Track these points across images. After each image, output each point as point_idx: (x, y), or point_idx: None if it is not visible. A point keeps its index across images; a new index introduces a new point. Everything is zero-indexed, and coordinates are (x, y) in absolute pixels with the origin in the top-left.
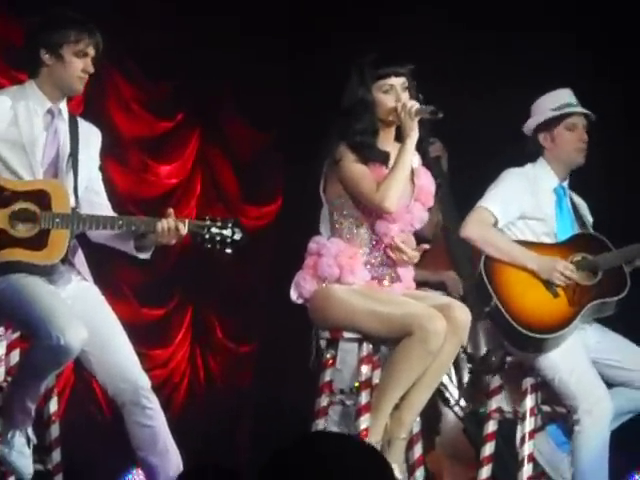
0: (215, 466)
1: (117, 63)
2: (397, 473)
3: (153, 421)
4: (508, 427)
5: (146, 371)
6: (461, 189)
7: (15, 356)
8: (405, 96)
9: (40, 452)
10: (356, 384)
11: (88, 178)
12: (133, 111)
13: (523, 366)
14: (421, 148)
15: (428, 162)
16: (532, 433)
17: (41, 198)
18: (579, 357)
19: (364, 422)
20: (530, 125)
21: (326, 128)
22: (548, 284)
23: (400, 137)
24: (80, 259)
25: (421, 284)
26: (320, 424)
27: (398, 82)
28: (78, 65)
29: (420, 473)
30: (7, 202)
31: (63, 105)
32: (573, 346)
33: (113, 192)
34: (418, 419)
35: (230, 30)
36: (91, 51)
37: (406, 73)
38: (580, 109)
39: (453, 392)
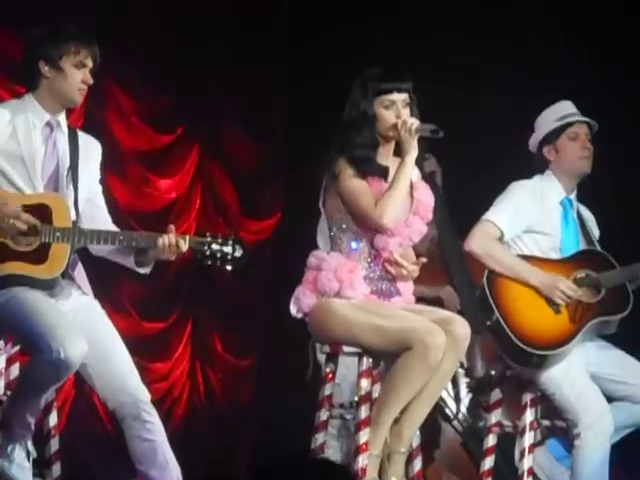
0: None
1: (117, 77)
2: None
3: (153, 435)
4: (507, 441)
5: (146, 385)
6: (456, 203)
7: (15, 370)
8: (406, 112)
9: (40, 466)
10: (356, 398)
11: (88, 191)
12: (133, 124)
13: (522, 380)
14: (416, 164)
15: (423, 178)
16: (532, 447)
17: (42, 212)
18: (580, 372)
19: (364, 436)
20: (534, 140)
21: (325, 142)
22: (550, 301)
23: (399, 152)
24: (80, 273)
25: (418, 300)
26: (320, 438)
27: (400, 98)
28: (78, 76)
29: None
30: None
31: (62, 118)
32: (574, 361)
33: (113, 205)
34: (418, 433)
35: (228, 45)
36: (89, 62)
37: (408, 89)
38: (581, 117)
39: (451, 406)
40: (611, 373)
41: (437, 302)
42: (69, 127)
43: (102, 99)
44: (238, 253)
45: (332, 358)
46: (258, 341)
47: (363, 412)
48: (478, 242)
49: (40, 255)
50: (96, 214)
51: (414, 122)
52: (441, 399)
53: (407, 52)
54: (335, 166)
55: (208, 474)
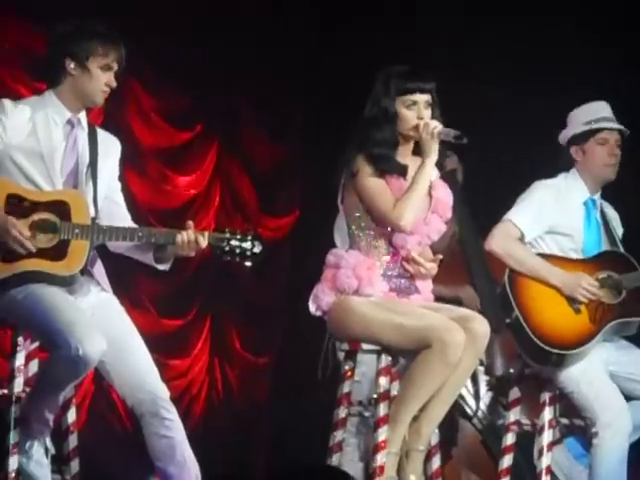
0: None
1: (137, 74)
2: None
3: (172, 432)
4: (526, 439)
5: (165, 382)
6: (477, 201)
7: (34, 366)
8: (427, 114)
9: (58, 462)
10: (374, 395)
11: (107, 188)
12: (152, 122)
13: (541, 378)
14: (438, 161)
15: (444, 175)
16: (550, 445)
17: (61, 208)
18: (598, 371)
19: (382, 434)
20: (563, 137)
21: (344, 139)
22: (571, 300)
23: (417, 151)
24: (99, 270)
25: (437, 300)
26: (338, 436)
27: (422, 99)
28: (102, 78)
29: None
30: (27, 212)
31: (82, 115)
32: (592, 360)
33: (132, 202)
34: (436, 431)
35: (247, 43)
36: (115, 65)
37: (431, 90)
38: (611, 125)
39: (471, 404)
40: (630, 372)
41: (456, 302)
42: (89, 124)
43: (122, 96)
44: (257, 249)
45: (351, 356)
46: (276, 338)
47: (382, 410)
48: (498, 242)
49: (59, 252)
50: (115, 211)
51: (437, 125)
52: (461, 397)
53: (427, 50)
54: (353, 164)
55: (226, 471)
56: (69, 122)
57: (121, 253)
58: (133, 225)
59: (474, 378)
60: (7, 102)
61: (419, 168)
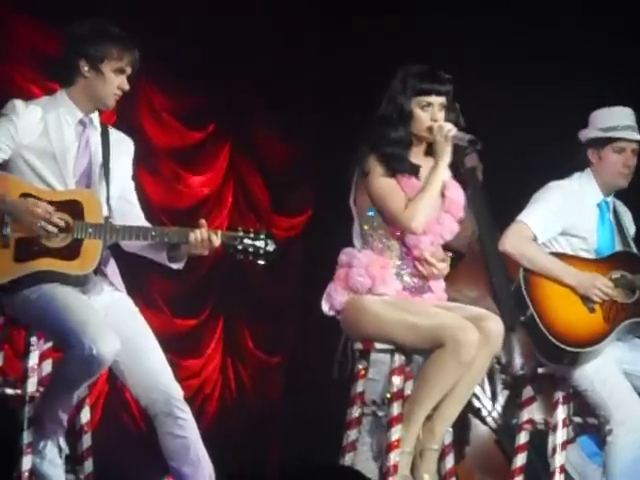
0: (248, 476)
1: (150, 74)
2: None
3: (185, 431)
4: (540, 438)
5: (179, 381)
6: (497, 199)
7: (47, 366)
8: (441, 116)
9: (72, 462)
10: (388, 395)
11: (121, 187)
12: (165, 121)
13: (555, 377)
14: (457, 159)
15: (464, 173)
16: (564, 444)
17: (74, 208)
18: (612, 369)
19: (396, 433)
20: (582, 136)
21: (357, 139)
22: (585, 299)
23: (429, 152)
24: (113, 269)
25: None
26: (352, 435)
27: (437, 101)
28: (115, 82)
29: None
30: None
31: (95, 115)
32: (606, 358)
33: (145, 202)
34: (450, 430)
35: (261, 42)
36: (128, 69)
37: (447, 92)
38: (630, 135)
39: (486, 403)
40: None
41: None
42: (101, 124)
43: (135, 96)
44: (270, 247)
45: (364, 355)
46: (289, 338)
47: (395, 409)
48: (512, 242)
49: (72, 251)
50: (128, 210)
51: (451, 129)
52: (476, 396)
53: (443, 49)
54: (365, 163)
55: (239, 470)
56: (81, 122)
57: (134, 252)
58: (146, 224)
59: (491, 377)
60: (18, 102)
61: (431, 170)
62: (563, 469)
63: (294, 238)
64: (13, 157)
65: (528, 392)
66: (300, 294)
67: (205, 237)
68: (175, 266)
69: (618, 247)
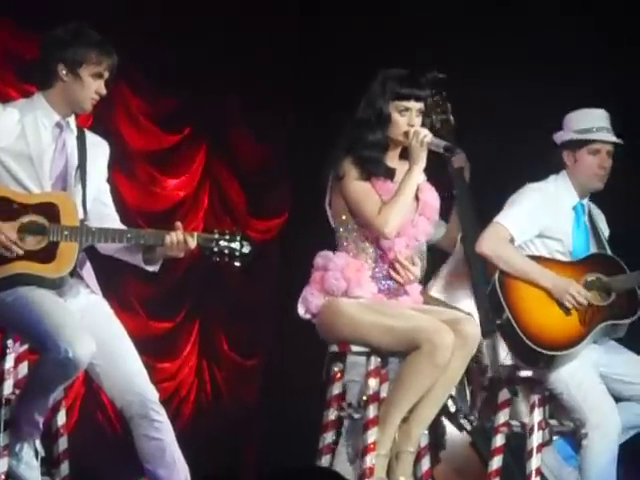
0: (222, 478)
1: (125, 76)
2: None
3: (161, 434)
4: (517, 441)
5: (154, 384)
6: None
7: (23, 368)
8: (418, 121)
9: (48, 465)
10: (364, 397)
11: (96, 190)
12: (141, 124)
13: (531, 380)
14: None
15: (451, 173)
16: (539, 447)
17: (50, 211)
18: (588, 372)
19: (372, 435)
20: (557, 138)
21: (332, 141)
22: (561, 302)
23: (405, 155)
24: (89, 272)
25: None
26: (328, 438)
27: (416, 106)
28: (93, 86)
29: None
30: (16, 215)
31: (71, 119)
32: (582, 361)
33: (121, 205)
34: (426, 432)
35: (236, 46)
36: (106, 74)
37: (426, 98)
38: (605, 137)
39: (462, 405)
40: (619, 373)
41: None
42: (77, 127)
43: (111, 100)
44: (246, 249)
45: (340, 357)
46: (264, 341)
47: (371, 411)
48: (489, 244)
49: (48, 254)
50: (104, 212)
51: (427, 134)
52: (451, 397)
53: (421, 50)
54: (340, 166)
55: (215, 473)
56: (58, 125)
57: (110, 255)
58: (122, 227)
59: (468, 379)
60: None
61: (406, 175)
62: (539, 472)
63: (270, 241)
64: None
65: (504, 395)
66: (276, 297)
67: (181, 239)
68: (151, 268)
69: (593, 249)
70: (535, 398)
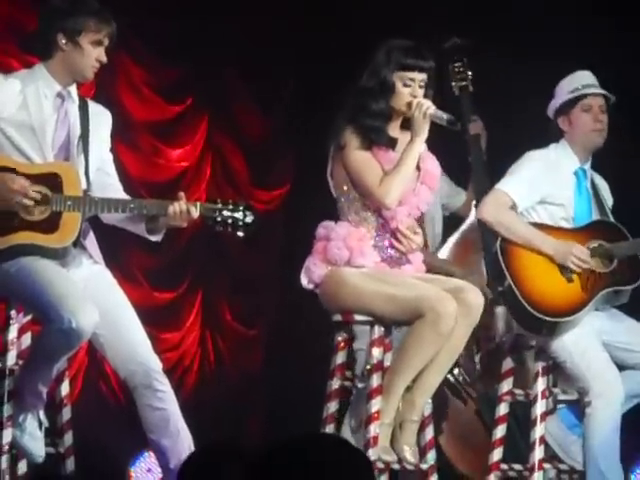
0: (225, 447)
1: (127, 47)
2: (409, 455)
3: (165, 404)
4: (523, 410)
5: (157, 354)
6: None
7: (27, 339)
8: (421, 92)
9: (52, 435)
10: (367, 366)
11: (99, 160)
12: (143, 95)
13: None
14: (463, 123)
15: (467, 139)
16: (543, 416)
17: (52, 181)
18: (591, 340)
19: (375, 405)
20: (551, 108)
21: (335, 111)
22: (563, 269)
23: (406, 125)
24: (92, 242)
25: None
26: (331, 407)
27: (419, 77)
28: (93, 54)
29: (431, 456)
30: None
31: (73, 88)
32: (585, 329)
33: (124, 175)
34: (430, 402)
35: (239, 15)
36: (106, 41)
37: (430, 69)
38: (595, 90)
39: (470, 373)
40: (623, 341)
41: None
42: (80, 97)
43: (113, 70)
44: (249, 219)
45: (344, 327)
46: (267, 310)
47: (375, 381)
48: (490, 210)
49: (51, 224)
50: (107, 182)
51: (430, 106)
52: (458, 365)
53: (421, 24)
54: (341, 136)
55: (219, 443)
56: (59, 95)
57: (113, 225)
58: (125, 197)
59: (478, 346)
60: None
61: (407, 146)
62: (543, 440)
63: (273, 211)
64: None
65: (508, 363)
66: (279, 267)
67: (184, 209)
68: (154, 238)
69: (595, 216)
70: (539, 366)
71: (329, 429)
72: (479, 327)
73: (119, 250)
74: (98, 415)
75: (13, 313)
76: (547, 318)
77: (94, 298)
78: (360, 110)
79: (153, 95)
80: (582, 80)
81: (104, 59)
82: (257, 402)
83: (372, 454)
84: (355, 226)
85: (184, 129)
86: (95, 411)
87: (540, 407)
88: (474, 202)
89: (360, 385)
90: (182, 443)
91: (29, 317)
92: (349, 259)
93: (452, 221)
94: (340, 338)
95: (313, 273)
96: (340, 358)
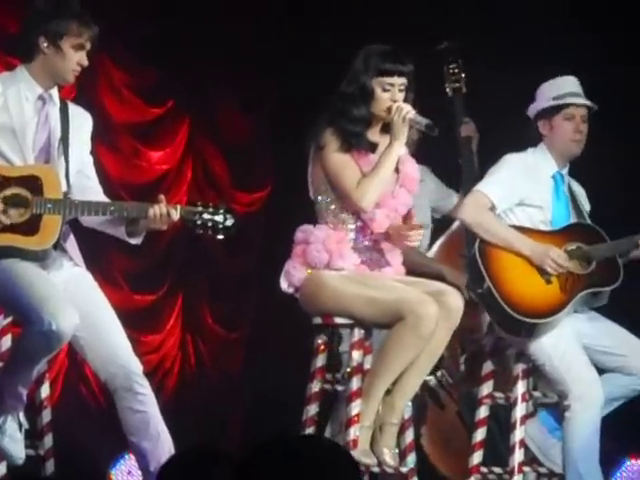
0: (205, 450)
1: (108, 49)
2: (388, 458)
3: (145, 406)
4: (505, 412)
5: (138, 357)
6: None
7: (7, 341)
8: (401, 97)
9: (32, 437)
10: (348, 369)
11: (80, 162)
12: (124, 97)
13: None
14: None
15: (459, 142)
16: (523, 419)
17: (33, 183)
18: (570, 343)
19: (355, 407)
20: (531, 111)
21: (317, 114)
22: (541, 270)
23: (386, 129)
24: (72, 244)
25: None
26: (311, 410)
27: (399, 82)
28: (75, 58)
29: (411, 458)
30: None
31: (54, 91)
32: (564, 332)
33: (104, 178)
34: (410, 404)
35: (220, 17)
36: (88, 45)
37: (409, 73)
38: (579, 100)
39: (454, 374)
40: (603, 344)
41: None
42: (60, 99)
43: (94, 72)
44: (229, 222)
45: (324, 330)
46: (248, 313)
47: (355, 383)
48: (469, 211)
49: (31, 227)
50: (87, 185)
51: (409, 110)
52: (441, 367)
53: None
54: (321, 137)
55: (199, 445)
56: (40, 98)
57: (94, 227)
58: (105, 199)
59: (463, 348)
60: None
61: (385, 150)
62: (523, 443)
63: (254, 214)
64: None
65: (488, 366)
66: (259, 269)
67: (164, 212)
68: (134, 241)
69: (573, 219)
70: (519, 369)
71: (309, 432)
72: (464, 329)
73: (99, 253)
74: (78, 417)
75: None
76: (527, 320)
77: (74, 300)
78: (340, 115)
79: (134, 97)
80: (566, 87)
81: (85, 63)
82: (238, 405)
83: None
84: (334, 228)
85: (165, 131)
86: (75, 413)
87: (520, 410)
88: None
89: (340, 388)
90: (162, 446)
91: (9, 319)
92: (328, 262)
93: (444, 223)
94: (320, 341)
95: (293, 277)
96: (320, 361)
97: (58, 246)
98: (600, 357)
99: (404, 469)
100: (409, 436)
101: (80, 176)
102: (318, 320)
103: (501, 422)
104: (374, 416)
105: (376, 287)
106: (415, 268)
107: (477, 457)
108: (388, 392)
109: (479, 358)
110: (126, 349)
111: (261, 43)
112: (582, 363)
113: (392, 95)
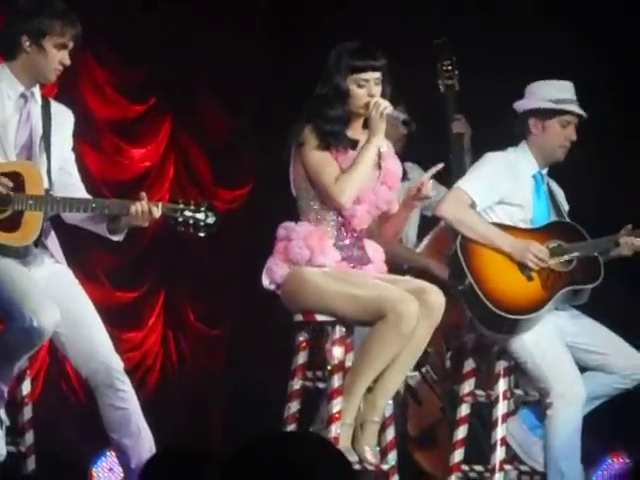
0: (187, 448)
1: (90, 46)
2: (369, 456)
3: (126, 403)
4: (489, 410)
5: (119, 354)
6: None
7: None
8: (378, 91)
9: (13, 434)
10: (329, 367)
11: (61, 159)
12: (106, 94)
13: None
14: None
15: (451, 138)
16: (505, 417)
17: (14, 180)
18: (552, 341)
19: (336, 405)
20: (523, 106)
21: (298, 112)
22: (522, 267)
23: (368, 125)
24: (53, 241)
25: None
26: (292, 407)
27: (373, 76)
28: (57, 57)
29: (392, 456)
30: None
31: (36, 89)
32: (546, 330)
33: (87, 175)
34: (391, 402)
35: (203, 15)
36: (70, 44)
37: (382, 67)
38: (578, 110)
39: (438, 371)
40: (585, 342)
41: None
42: (42, 97)
43: (76, 69)
44: (211, 219)
45: (305, 327)
46: (230, 310)
47: (336, 381)
48: (449, 208)
49: (13, 223)
50: (69, 182)
51: (387, 106)
52: (426, 364)
53: (381, 28)
54: (301, 135)
55: (181, 442)
56: (22, 96)
57: (75, 224)
58: (87, 196)
59: (447, 345)
60: None
61: (364, 145)
62: (504, 441)
63: (236, 211)
64: None
65: (470, 364)
66: (241, 266)
67: (145, 209)
68: (115, 238)
69: (553, 218)
70: (500, 367)
71: (290, 429)
72: (449, 325)
73: (81, 250)
74: (59, 414)
75: None
76: (508, 316)
77: (55, 297)
78: (318, 116)
79: (116, 95)
80: (565, 93)
81: (67, 62)
82: (219, 402)
83: None
84: (315, 225)
85: (147, 129)
86: (56, 410)
87: (501, 408)
88: None
89: (322, 385)
90: (143, 443)
91: None
92: (310, 258)
93: (433, 221)
94: (302, 338)
95: (275, 273)
96: (301, 358)
97: (39, 243)
98: (582, 355)
99: (385, 467)
100: (390, 434)
101: (62, 173)
102: (299, 317)
103: (484, 420)
104: (355, 414)
105: (358, 285)
106: (402, 262)
107: (458, 455)
108: (369, 390)
109: (463, 355)
110: (107, 346)
111: (244, 42)
112: (564, 361)
113: (368, 90)
